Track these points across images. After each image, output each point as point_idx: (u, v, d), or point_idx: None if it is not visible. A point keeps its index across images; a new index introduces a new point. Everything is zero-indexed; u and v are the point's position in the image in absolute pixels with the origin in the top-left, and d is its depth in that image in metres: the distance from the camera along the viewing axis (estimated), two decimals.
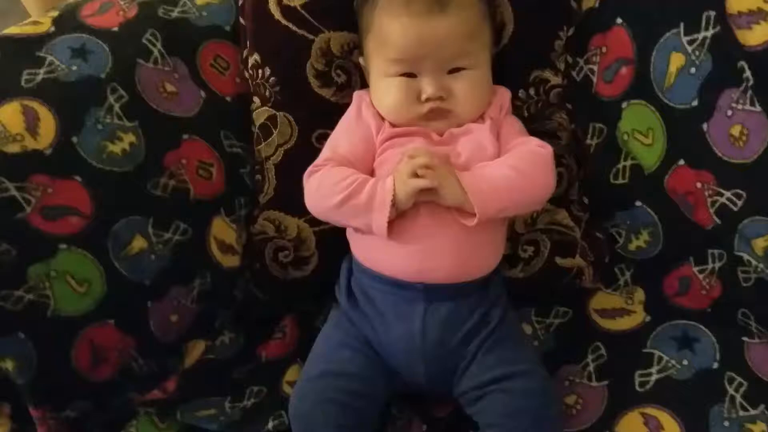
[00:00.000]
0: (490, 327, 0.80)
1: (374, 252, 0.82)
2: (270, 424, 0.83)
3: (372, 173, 0.83)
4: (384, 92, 0.83)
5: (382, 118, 0.85)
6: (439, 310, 0.79)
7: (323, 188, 0.80)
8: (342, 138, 0.85)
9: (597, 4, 0.90)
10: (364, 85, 0.90)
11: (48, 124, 0.78)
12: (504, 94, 0.88)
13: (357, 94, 0.88)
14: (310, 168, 0.83)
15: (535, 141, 0.83)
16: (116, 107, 0.81)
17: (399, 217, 0.78)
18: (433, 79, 0.81)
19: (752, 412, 0.78)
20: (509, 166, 0.79)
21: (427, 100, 0.81)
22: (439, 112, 0.82)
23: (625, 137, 0.90)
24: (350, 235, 0.85)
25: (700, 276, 0.89)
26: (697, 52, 0.81)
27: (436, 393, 0.82)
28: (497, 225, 0.83)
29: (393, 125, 0.84)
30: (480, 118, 0.85)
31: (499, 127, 0.85)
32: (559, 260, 0.91)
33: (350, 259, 0.86)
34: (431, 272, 0.79)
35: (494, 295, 0.83)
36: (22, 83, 0.79)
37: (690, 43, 0.81)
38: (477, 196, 0.76)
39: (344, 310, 0.84)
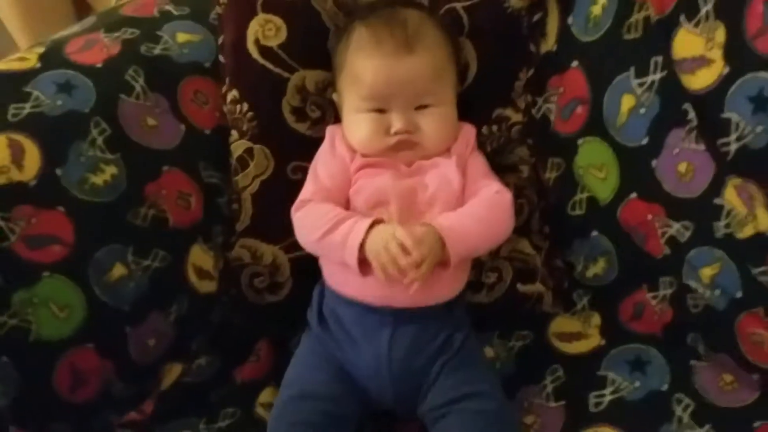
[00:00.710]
0: (453, 349, 0.84)
1: (344, 277, 0.85)
2: None
3: (348, 200, 0.88)
4: (356, 126, 0.88)
5: (354, 150, 0.89)
6: (405, 333, 0.83)
7: (307, 223, 0.85)
8: (321, 170, 0.89)
9: (554, 48, 0.95)
10: (338, 119, 0.94)
11: (33, 157, 0.81)
12: (470, 131, 0.93)
13: (329, 129, 0.93)
14: (296, 203, 0.87)
15: (496, 186, 0.88)
16: (99, 140, 0.85)
17: None
18: (401, 114, 0.86)
19: (698, 431, 0.82)
20: (477, 217, 0.84)
21: (396, 133, 0.86)
22: (407, 144, 0.87)
23: (581, 171, 0.95)
24: (322, 260, 0.89)
25: (653, 302, 0.94)
26: (646, 94, 0.87)
27: (404, 412, 0.86)
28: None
29: (364, 155, 0.88)
30: (446, 152, 0.90)
31: (466, 163, 0.90)
32: (520, 287, 0.96)
33: (322, 283, 0.89)
34: (398, 298, 0.82)
35: (457, 319, 0.87)
36: (9, 117, 0.82)
37: (640, 85, 0.87)
38: (453, 249, 0.80)
39: (316, 333, 0.87)
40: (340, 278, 0.86)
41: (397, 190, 0.85)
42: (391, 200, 0.85)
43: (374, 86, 0.85)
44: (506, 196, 0.87)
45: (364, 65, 0.86)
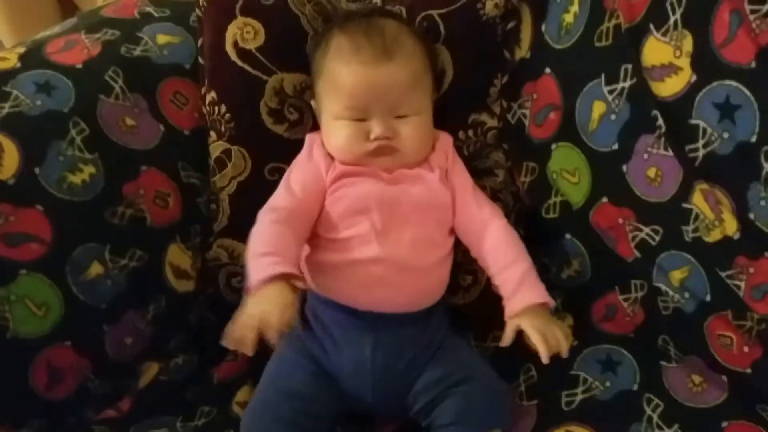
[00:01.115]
0: (433, 347, 0.86)
1: (328, 280, 0.86)
2: None
3: (322, 209, 0.88)
4: (335, 132, 0.89)
5: (331, 159, 0.90)
6: (388, 338, 0.84)
7: (252, 237, 0.84)
8: (294, 178, 0.90)
9: (528, 55, 0.97)
10: (316, 122, 0.95)
11: (12, 156, 0.82)
12: (447, 139, 0.95)
13: (309, 137, 0.94)
14: (265, 207, 0.87)
15: (496, 214, 0.92)
16: (78, 140, 0.86)
17: (353, 252, 0.84)
18: (381, 121, 0.87)
19: (667, 431, 0.83)
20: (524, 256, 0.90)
21: (376, 138, 0.87)
22: (386, 150, 0.88)
23: (555, 176, 0.96)
24: (307, 262, 0.89)
25: (625, 304, 0.95)
26: (616, 101, 0.88)
27: (382, 412, 0.87)
28: (445, 263, 0.90)
29: (342, 163, 0.89)
30: (426, 163, 0.91)
31: (449, 175, 0.92)
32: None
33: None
34: (382, 303, 0.84)
35: (437, 323, 0.89)
36: None
37: (610, 92, 0.89)
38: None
39: (296, 332, 0.88)
40: (324, 280, 0.87)
41: (379, 197, 0.86)
42: (373, 208, 0.86)
43: (354, 93, 0.86)
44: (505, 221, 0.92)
45: (343, 72, 0.87)
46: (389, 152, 0.88)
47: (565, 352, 0.83)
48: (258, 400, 0.84)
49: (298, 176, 0.90)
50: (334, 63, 0.88)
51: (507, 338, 0.84)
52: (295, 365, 0.86)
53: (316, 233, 0.88)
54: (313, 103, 0.94)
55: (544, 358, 0.81)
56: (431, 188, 0.89)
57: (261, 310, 0.75)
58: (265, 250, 0.80)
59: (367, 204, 0.86)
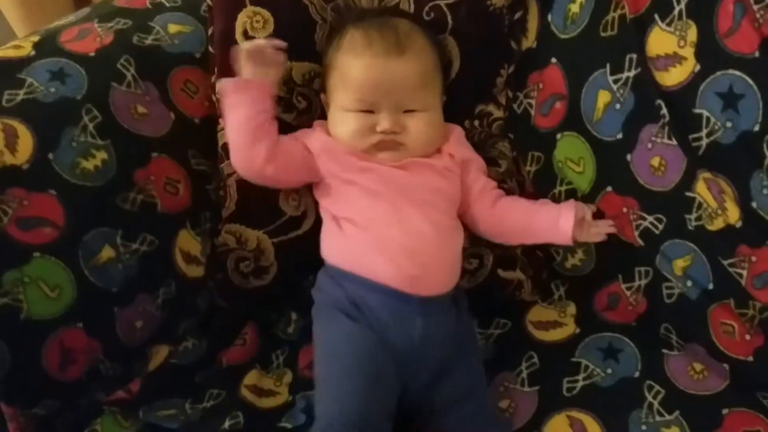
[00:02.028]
0: (463, 336, 0.88)
1: (375, 263, 0.85)
2: (227, 424, 0.89)
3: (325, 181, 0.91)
4: (341, 123, 0.90)
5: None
6: (435, 322, 0.85)
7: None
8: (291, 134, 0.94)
9: (534, 45, 0.98)
10: (324, 111, 0.96)
11: (26, 142, 0.84)
12: (458, 130, 0.96)
13: (317, 122, 0.95)
14: None
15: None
16: (90, 127, 0.87)
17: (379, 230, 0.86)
18: (389, 114, 0.88)
19: (667, 417, 0.84)
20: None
21: (382, 132, 0.88)
22: (391, 144, 0.89)
23: (560, 165, 0.97)
24: (343, 247, 0.89)
25: (628, 293, 0.97)
26: (621, 90, 0.89)
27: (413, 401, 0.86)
28: (459, 240, 0.91)
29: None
30: (437, 152, 0.92)
31: (465, 162, 0.94)
32: (501, 272, 0.99)
33: (326, 270, 0.90)
34: (425, 285, 0.85)
35: (464, 307, 0.91)
36: (3, 103, 0.84)
37: (615, 82, 0.89)
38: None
39: (344, 319, 0.85)
40: (369, 264, 0.86)
41: (389, 181, 0.88)
42: (386, 191, 0.87)
43: (364, 85, 0.88)
44: None
45: (355, 64, 0.88)
46: (393, 147, 0.89)
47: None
48: (331, 386, 0.81)
49: (295, 132, 0.94)
50: (347, 56, 0.90)
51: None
52: (358, 337, 0.83)
53: (338, 213, 0.90)
54: (322, 96, 0.95)
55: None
56: (440, 172, 0.91)
57: None
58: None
59: (380, 187, 0.87)
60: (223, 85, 0.89)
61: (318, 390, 0.83)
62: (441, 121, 0.93)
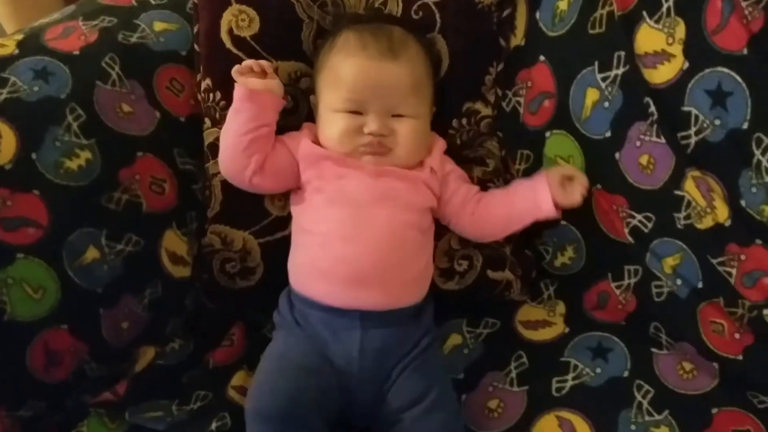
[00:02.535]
0: (417, 350, 0.85)
1: (311, 281, 0.86)
2: (214, 425, 0.88)
3: (301, 191, 0.91)
4: (330, 123, 0.89)
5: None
6: (375, 336, 0.84)
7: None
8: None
9: (523, 43, 0.97)
10: (311, 111, 0.95)
11: (9, 141, 0.83)
12: (441, 143, 0.95)
13: (306, 125, 0.94)
14: None
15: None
16: (74, 126, 0.86)
17: (333, 246, 0.85)
18: (377, 117, 0.87)
19: (657, 417, 0.84)
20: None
21: (370, 134, 0.87)
22: (378, 148, 0.88)
23: (549, 163, 0.97)
24: (290, 266, 0.90)
25: (617, 291, 0.96)
26: (609, 88, 0.89)
27: (361, 415, 0.85)
28: (425, 258, 0.90)
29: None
30: (419, 165, 0.91)
31: (445, 175, 0.94)
32: (490, 273, 0.98)
33: (287, 291, 0.90)
34: (366, 301, 0.84)
35: (425, 324, 0.89)
36: None
37: (603, 80, 0.89)
38: None
39: (288, 332, 0.87)
40: (307, 282, 0.87)
41: (360, 189, 0.87)
42: (352, 200, 0.86)
43: (355, 86, 0.87)
44: None
45: (347, 64, 0.88)
46: (381, 151, 0.88)
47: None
48: (263, 375, 0.83)
49: (283, 137, 0.92)
50: (339, 56, 0.89)
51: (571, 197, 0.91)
52: (296, 344, 0.85)
53: (296, 229, 0.90)
54: (312, 98, 0.94)
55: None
56: (417, 185, 0.90)
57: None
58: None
59: (347, 196, 0.86)
60: (236, 89, 0.88)
61: (252, 385, 0.84)
62: (428, 131, 0.93)
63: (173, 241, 0.93)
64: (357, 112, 0.88)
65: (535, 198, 0.92)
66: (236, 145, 0.88)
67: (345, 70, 0.88)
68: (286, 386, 0.79)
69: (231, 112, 0.89)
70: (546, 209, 0.91)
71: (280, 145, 0.91)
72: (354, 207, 0.86)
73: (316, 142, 0.91)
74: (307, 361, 0.83)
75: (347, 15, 0.97)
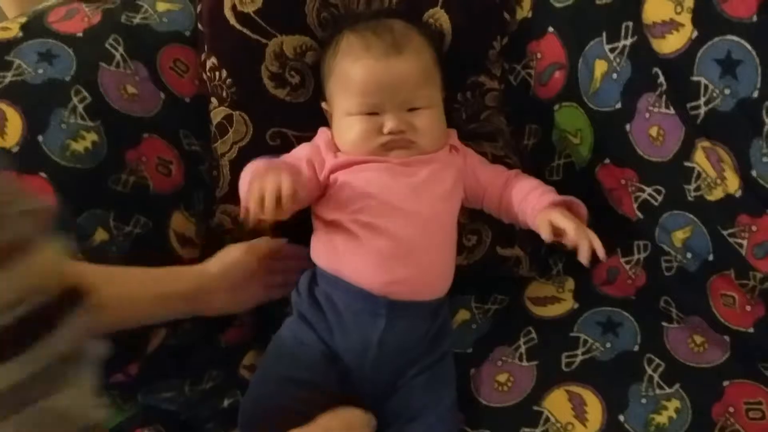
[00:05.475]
0: (432, 358, 0.85)
1: (345, 261, 0.84)
2: (225, 403, 0.89)
3: (325, 191, 0.88)
4: (347, 128, 0.88)
5: (337, 149, 0.89)
6: (398, 327, 0.83)
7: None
8: (295, 153, 0.91)
9: (530, 15, 0.96)
10: (318, 86, 0.95)
11: (15, 124, 0.83)
12: (453, 132, 0.94)
13: (321, 130, 0.93)
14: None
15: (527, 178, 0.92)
16: (79, 108, 0.86)
17: (364, 234, 0.84)
18: (394, 115, 0.86)
19: (668, 390, 0.83)
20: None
21: (389, 132, 0.86)
22: (401, 143, 0.87)
23: (558, 137, 0.96)
24: (320, 243, 0.88)
25: (627, 266, 0.95)
26: (618, 59, 0.87)
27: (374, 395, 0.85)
28: (452, 247, 0.90)
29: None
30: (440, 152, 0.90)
31: (465, 157, 0.92)
32: (499, 249, 0.98)
33: (311, 272, 0.89)
34: (397, 289, 0.83)
35: (443, 323, 0.88)
36: None
37: (612, 50, 0.88)
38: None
39: (303, 314, 0.86)
40: (337, 262, 0.85)
41: (387, 180, 0.86)
42: (380, 190, 0.85)
43: (366, 87, 0.86)
44: None
45: (354, 68, 0.87)
46: (405, 145, 0.87)
47: (600, 251, 0.79)
48: (258, 385, 0.84)
49: (299, 151, 0.91)
50: (345, 61, 0.88)
51: (545, 233, 0.83)
52: (298, 346, 0.85)
53: (325, 216, 0.88)
54: (324, 105, 0.93)
55: (584, 252, 0.79)
56: (442, 165, 0.89)
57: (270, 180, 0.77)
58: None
59: (374, 186, 0.85)
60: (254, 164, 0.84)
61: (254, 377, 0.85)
62: (444, 116, 0.92)
63: (181, 223, 0.93)
64: (373, 113, 0.87)
65: (541, 197, 0.87)
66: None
67: (353, 74, 0.87)
68: (271, 405, 0.80)
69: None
70: (537, 210, 0.86)
71: (308, 168, 0.87)
72: (385, 196, 0.85)
73: (333, 146, 0.90)
74: (303, 368, 0.83)
75: (345, 16, 0.95)
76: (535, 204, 0.86)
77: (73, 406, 0.44)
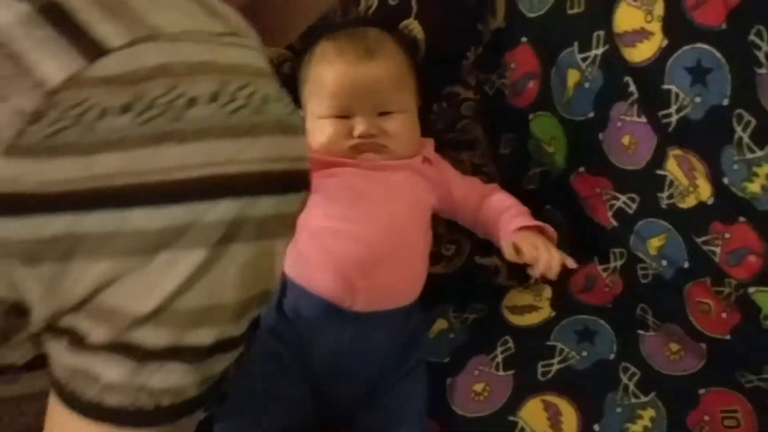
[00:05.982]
0: (406, 367, 0.85)
1: (311, 271, 0.84)
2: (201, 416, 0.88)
3: None
4: (318, 130, 0.88)
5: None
6: (367, 336, 0.83)
7: None
8: None
9: (504, 25, 0.97)
10: (295, 97, 0.94)
11: None
12: (430, 141, 0.94)
13: None
14: None
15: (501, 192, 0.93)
16: None
17: (333, 241, 0.83)
18: (365, 118, 0.86)
19: (643, 399, 0.83)
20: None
21: (360, 136, 0.86)
22: (372, 146, 0.87)
23: (533, 146, 0.97)
24: (289, 254, 0.87)
25: (604, 274, 0.96)
26: (590, 69, 0.88)
27: (342, 413, 0.85)
28: (423, 253, 0.89)
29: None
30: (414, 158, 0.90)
31: (438, 166, 0.92)
32: (478, 258, 0.98)
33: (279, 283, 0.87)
34: (361, 300, 0.82)
35: (416, 329, 0.88)
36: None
37: (584, 60, 0.89)
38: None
39: (272, 327, 0.85)
40: (307, 271, 0.85)
41: (358, 184, 0.86)
42: (350, 195, 0.85)
43: (338, 91, 0.86)
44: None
45: (327, 72, 0.87)
46: (375, 149, 0.87)
47: (557, 264, 0.82)
48: (233, 400, 0.82)
49: None
50: (319, 66, 0.89)
51: (507, 253, 0.85)
52: (269, 358, 0.84)
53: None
54: (301, 113, 0.93)
55: (539, 267, 0.82)
56: (413, 172, 0.89)
57: None
58: None
59: (344, 191, 0.85)
60: None
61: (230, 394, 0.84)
62: (417, 123, 0.91)
63: None
64: (344, 116, 0.87)
65: (510, 221, 0.88)
66: None
67: (326, 78, 0.87)
68: (246, 423, 0.80)
69: None
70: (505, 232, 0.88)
71: None
72: (355, 200, 0.85)
73: None
74: (275, 381, 0.82)
75: (322, 26, 0.94)
76: (505, 227, 0.87)
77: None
